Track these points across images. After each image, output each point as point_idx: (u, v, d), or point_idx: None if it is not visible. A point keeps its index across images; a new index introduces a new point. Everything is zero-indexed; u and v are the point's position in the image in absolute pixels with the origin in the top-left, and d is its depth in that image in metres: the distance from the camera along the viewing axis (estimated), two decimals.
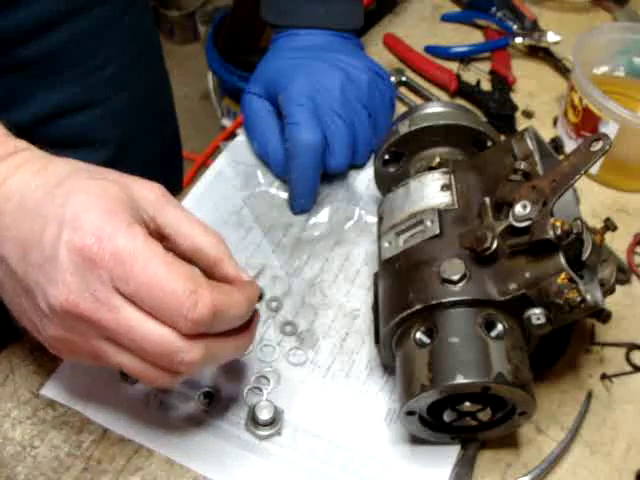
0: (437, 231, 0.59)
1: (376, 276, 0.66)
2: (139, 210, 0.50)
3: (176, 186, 1.03)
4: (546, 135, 0.66)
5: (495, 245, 0.55)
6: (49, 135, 0.77)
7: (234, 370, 0.65)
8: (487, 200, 0.59)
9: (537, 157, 0.61)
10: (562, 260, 0.53)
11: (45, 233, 0.47)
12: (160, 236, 0.52)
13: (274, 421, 0.61)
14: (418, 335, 0.57)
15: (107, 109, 0.82)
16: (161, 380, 0.51)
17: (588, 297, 0.52)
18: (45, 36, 0.73)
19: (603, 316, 0.61)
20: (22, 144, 0.53)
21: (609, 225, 0.62)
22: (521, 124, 0.89)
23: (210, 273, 0.54)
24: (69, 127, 0.80)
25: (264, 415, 0.60)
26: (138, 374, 0.51)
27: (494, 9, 1.01)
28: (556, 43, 0.96)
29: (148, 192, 0.51)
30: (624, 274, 0.73)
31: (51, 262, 0.47)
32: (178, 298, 0.47)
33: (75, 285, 0.47)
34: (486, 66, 0.96)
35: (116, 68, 0.81)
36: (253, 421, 0.61)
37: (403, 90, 0.93)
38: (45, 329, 0.50)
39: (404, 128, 0.70)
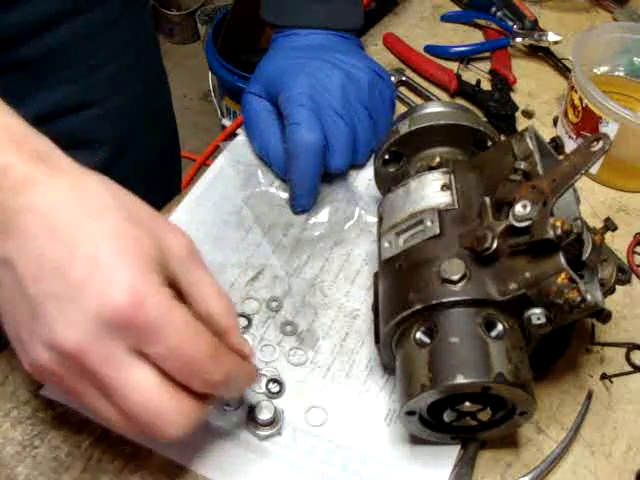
0: (437, 231, 0.59)
1: (376, 276, 0.66)
2: (167, 265, 0.49)
3: (175, 186, 1.03)
4: (546, 135, 0.66)
5: (495, 245, 0.55)
6: (49, 135, 0.77)
7: None
8: (487, 200, 0.59)
9: (537, 157, 0.61)
10: (562, 260, 0.53)
11: (73, 269, 0.45)
12: (177, 291, 0.51)
13: (274, 421, 0.61)
14: (418, 335, 0.57)
15: (107, 109, 0.82)
16: (137, 439, 0.51)
17: (588, 297, 0.52)
18: (45, 35, 0.73)
19: (603, 316, 0.61)
20: (52, 147, 0.50)
21: (609, 225, 0.62)
22: (521, 124, 0.89)
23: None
24: (69, 127, 0.80)
25: (264, 415, 0.60)
26: (115, 428, 0.50)
27: (494, 9, 1.01)
28: (556, 43, 0.96)
29: (178, 246, 0.50)
30: (624, 274, 0.73)
31: (73, 302, 0.45)
32: (201, 361, 0.48)
33: (92, 335, 0.45)
34: (486, 66, 0.96)
35: (116, 68, 0.81)
36: (253, 421, 0.61)
37: (403, 90, 0.93)
38: (34, 355, 0.48)
39: (404, 128, 0.70)
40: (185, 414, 0.49)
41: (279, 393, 0.64)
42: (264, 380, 0.64)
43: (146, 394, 0.47)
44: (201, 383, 0.49)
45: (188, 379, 0.48)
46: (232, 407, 0.62)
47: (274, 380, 0.64)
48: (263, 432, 0.61)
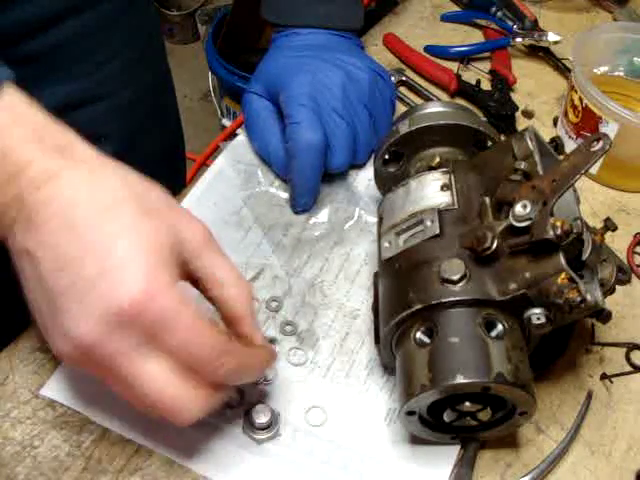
0: (437, 231, 0.59)
1: (376, 276, 0.66)
2: (183, 253, 0.50)
3: (179, 183, 1.03)
4: (546, 135, 0.66)
5: (495, 245, 0.55)
6: None
7: None
8: (487, 200, 0.59)
9: (537, 157, 0.61)
10: (562, 260, 0.53)
11: (85, 265, 0.46)
12: (191, 277, 0.52)
13: (271, 424, 0.61)
14: (418, 335, 0.57)
15: (113, 104, 0.82)
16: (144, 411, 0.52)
17: (588, 297, 0.52)
18: (51, 31, 0.73)
19: (603, 316, 0.61)
20: (71, 137, 0.51)
21: (609, 225, 0.62)
22: (521, 124, 0.89)
23: (228, 324, 0.55)
24: (75, 122, 0.79)
25: (261, 419, 0.60)
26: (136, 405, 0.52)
27: (494, 9, 1.01)
28: (556, 43, 0.96)
29: (193, 234, 0.52)
30: (624, 274, 0.73)
31: (87, 297, 0.46)
32: (209, 357, 0.49)
33: (104, 330, 0.46)
34: (486, 66, 0.96)
35: (121, 63, 0.81)
36: (250, 424, 0.61)
37: (403, 90, 0.93)
38: (57, 346, 0.50)
39: (404, 128, 0.70)
40: (199, 400, 0.51)
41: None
42: None
43: (160, 383, 0.49)
44: (211, 375, 0.50)
45: (198, 371, 0.50)
46: (234, 403, 0.62)
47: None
48: (260, 436, 0.61)
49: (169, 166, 1.00)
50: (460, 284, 0.56)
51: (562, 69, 0.96)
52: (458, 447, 0.61)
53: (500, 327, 0.56)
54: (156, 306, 0.46)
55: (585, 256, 0.58)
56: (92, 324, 0.46)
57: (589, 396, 0.65)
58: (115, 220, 0.48)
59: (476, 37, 1.01)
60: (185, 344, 0.48)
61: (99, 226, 0.47)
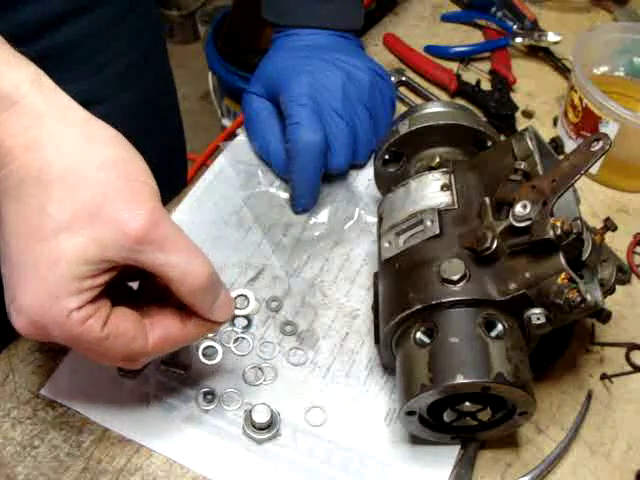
0: (437, 231, 0.59)
1: (376, 276, 0.66)
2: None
3: (179, 183, 1.03)
4: (546, 135, 0.66)
5: (495, 245, 0.55)
6: None
7: (234, 370, 0.65)
8: (487, 200, 0.59)
9: (537, 157, 0.61)
10: (562, 260, 0.53)
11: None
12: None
13: (271, 424, 0.61)
14: (418, 335, 0.57)
15: (115, 105, 0.82)
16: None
17: (588, 297, 0.52)
18: (53, 33, 0.73)
19: (603, 316, 0.61)
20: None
21: (609, 225, 0.62)
22: (521, 124, 0.89)
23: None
24: None
25: (261, 419, 0.60)
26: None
27: (494, 9, 1.01)
28: (556, 43, 0.96)
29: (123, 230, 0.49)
30: (624, 274, 0.73)
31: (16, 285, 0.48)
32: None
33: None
34: (486, 66, 0.96)
35: (123, 65, 0.81)
36: (250, 424, 0.61)
37: (403, 90, 0.93)
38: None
39: (404, 128, 0.70)
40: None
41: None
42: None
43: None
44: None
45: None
46: (233, 408, 0.62)
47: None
48: (260, 436, 0.61)
49: (170, 166, 1.00)
50: (460, 284, 0.56)
51: (562, 69, 0.96)
52: (458, 447, 0.61)
53: (500, 327, 0.56)
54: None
55: (585, 256, 0.58)
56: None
57: (589, 396, 0.65)
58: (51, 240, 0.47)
59: (476, 37, 1.01)
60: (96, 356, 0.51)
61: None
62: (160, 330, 0.52)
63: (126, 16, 0.80)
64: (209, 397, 0.63)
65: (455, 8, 1.05)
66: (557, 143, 0.86)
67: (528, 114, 0.90)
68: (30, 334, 0.49)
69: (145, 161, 0.53)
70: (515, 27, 0.99)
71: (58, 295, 0.47)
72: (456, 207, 0.61)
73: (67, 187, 0.47)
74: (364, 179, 0.81)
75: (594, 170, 0.82)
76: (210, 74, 2.00)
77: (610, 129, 0.79)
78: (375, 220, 0.73)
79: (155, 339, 0.52)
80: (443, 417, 0.57)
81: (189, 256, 0.49)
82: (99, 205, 0.47)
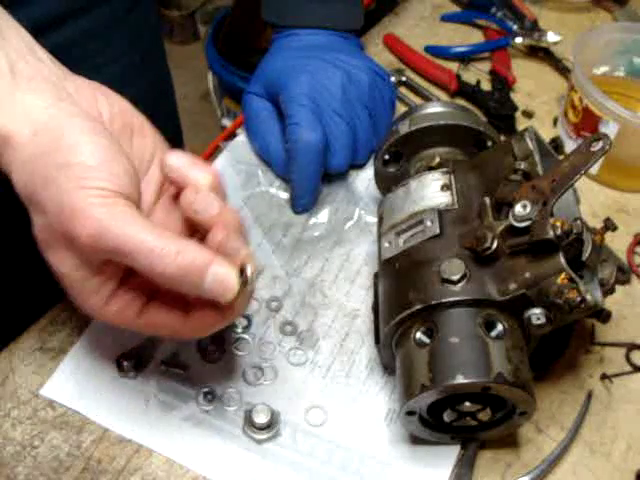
0: (437, 231, 0.59)
1: (376, 276, 0.66)
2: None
3: None
4: (546, 135, 0.66)
5: (495, 245, 0.55)
6: None
7: (234, 370, 0.65)
8: (487, 200, 0.59)
9: (537, 157, 0.61)
10: (562, 260, 0.53)
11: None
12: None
13: (271, 424, 0.61)
14: (418, 335, 0.57)
15: None
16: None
17: (588, 297, 0.52)
18: (51, 34, 0.73)
19: (603, 316, 0.61)
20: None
21: (609, 225, 0.62)
22: (521, 124, 0.89)
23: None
24: None
25: (261, 419, 0.60)
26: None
27: (494, 9, 1.01)
28: (556, 43, 0.96)
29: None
30: (624, 274, 0.73)
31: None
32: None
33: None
34: (486, 66, 0.96)
35: (121, 67, 0.81)
36: (250, 424, 0.61)
37: (403, 90, 0.93)
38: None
39: (404, 128, 0.70)
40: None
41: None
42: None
43: None
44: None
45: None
46: (234, 407, 0.62)
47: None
48: (260, 436, 0.61)
49: None
50: (460, 284, 0.56)
51: (562, 69, 0.96)
52: (458, 447, 0.61)
53: (500, 327, 0.56)
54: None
55: (585, 256, 0.58)
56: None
57: (589, 396, 0.65)
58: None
59: (476, 37, 1.01)
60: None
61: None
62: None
63: (125, 17, 0.80)
64: (209, 397, 0.63)
65: (455, 8, 1.05)
66: (557, 143, 0.86)
67: (528, 114, 0.90)
68: None
69: None
70: (515, 27, 0.99)
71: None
72: (456, 207, 0.61)
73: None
74: (364, 179, 0.81)
75: (594, 170, 0.82)
76: (210, 74, 2.00)
77: (610, 129, 0.79)
78: (375, 220, 0.73)
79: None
80: (443, 417, 0.57)
81: (151, 252, 0.49)
82: (58, 216, 0.48)
